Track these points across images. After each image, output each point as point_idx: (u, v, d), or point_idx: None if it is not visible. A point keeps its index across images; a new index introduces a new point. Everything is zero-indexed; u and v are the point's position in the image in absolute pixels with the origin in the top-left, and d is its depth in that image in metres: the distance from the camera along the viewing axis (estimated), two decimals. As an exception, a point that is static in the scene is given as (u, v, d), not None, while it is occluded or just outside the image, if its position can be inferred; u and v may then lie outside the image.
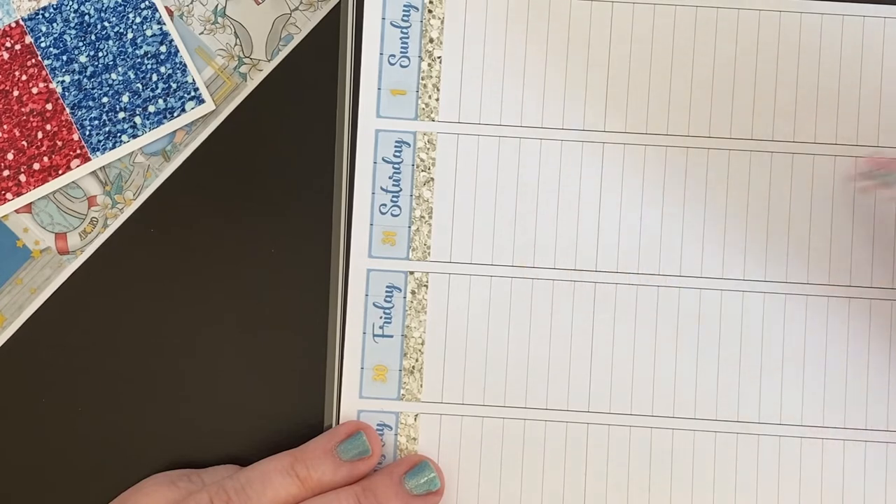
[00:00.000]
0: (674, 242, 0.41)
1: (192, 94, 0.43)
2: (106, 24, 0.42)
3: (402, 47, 0.41)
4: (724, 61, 0.41)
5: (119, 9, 0.42)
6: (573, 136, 0.41)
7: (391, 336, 0.41)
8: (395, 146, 0.41)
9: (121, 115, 0.42)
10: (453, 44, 0.41)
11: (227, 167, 0.42)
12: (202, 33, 0.43)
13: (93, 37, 0.42)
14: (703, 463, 0.40)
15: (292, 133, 0.42)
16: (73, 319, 0.42)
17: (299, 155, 0.42)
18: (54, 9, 0.42)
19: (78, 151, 0.42)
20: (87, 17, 0.42)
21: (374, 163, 0.41)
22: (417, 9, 0.41)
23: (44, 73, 0.42)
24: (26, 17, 0.42)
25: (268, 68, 0.43)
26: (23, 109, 0.42)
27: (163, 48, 0.43)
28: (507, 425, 0.40)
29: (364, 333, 0.41)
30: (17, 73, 0.42)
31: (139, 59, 0.42)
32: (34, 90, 0.42)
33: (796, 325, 0.40)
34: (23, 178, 0.42)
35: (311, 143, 0.42)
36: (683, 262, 0.41)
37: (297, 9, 0.43)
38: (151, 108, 0.42)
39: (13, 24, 0.42)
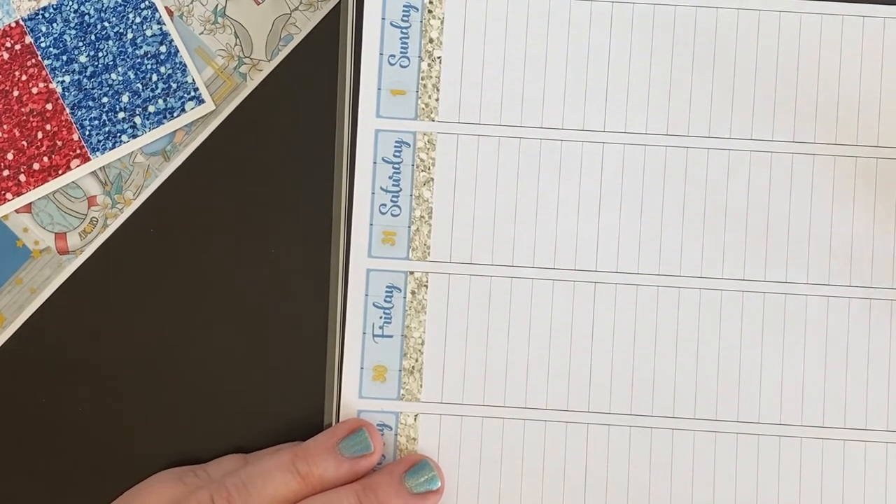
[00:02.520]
0: (673, 242, 0.41)
1: (192, 94, 0.43)
2: (106, 24, 0.42)
3: (401, 47, 0.41)
4: (723, 61, 0.41)
5: (119, 9, 0.42)
6: (573, 136, 0.41)
7: (391, 336, 0.41)
8: (395, 146, 0.41)
9: (121, 115, 0.42)
10: (453, 44, 0.41)
11: (227, 167, 0.42)
12: (202, 33, 0.43)
13: (93, 37, 0.42)
14: (702, 463, 0.40)
15: (292, 133, 0.42)
16: (73, 319, 0.42)
17: (299, 155, 0.42)
18: (54, 9, 0.42)
19: (78, 151, 0.42)
20: (87, 18, 0.42)
21: (374, 163, 0.41)
22: (417, 9, 0.41)
23: (44, 73, 0.42)
24: (26, 17, 0.42)
25: (268, 68, 0.43)
26: (23, 109, 0.42)
27: (163, 48, 0.43)
28: (506, 425, 0.40)
29: (364, 333, 0.41)
30: (17, 73, 0.42)
31: (139, 59, 0.42)
32: (34, 90, 0.42)
33: (796, 324, 0.40)
34: (23, 177, 0.42)
35: (311, 143, 0.42)
36: (683, 262, 0.41)
37: (297, 9, 0.43)
38: (151, 108, 0.42)
39: (13, 24, 0.42)
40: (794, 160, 0.41)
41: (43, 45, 0.42)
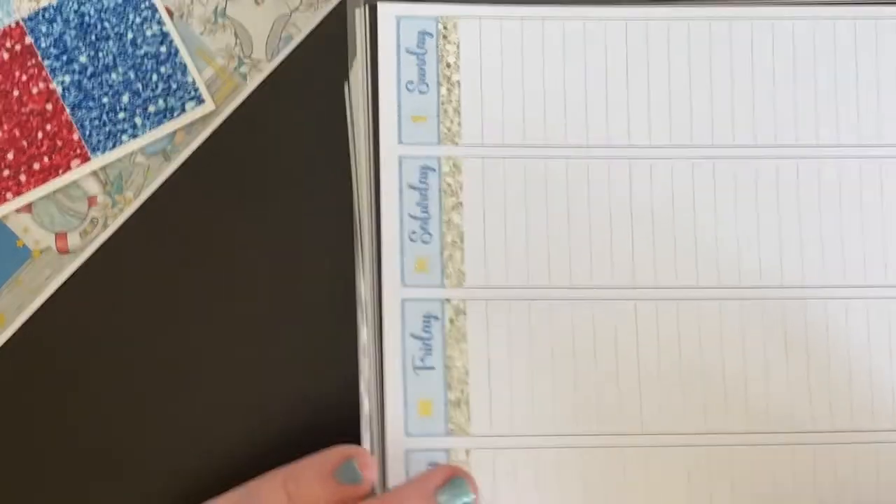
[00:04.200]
0: (708, 254, 0.40)
1: (193, 94, 0.43)
2: (106, 24, 0.43)
3: (419, 73, 0.40)
4: (741, 71, 0.40)
5: (119, 9, 0.43)
6: (598, 153, 0.40)
7: (432, 368, 0.39)
8: (420, 172, 0.40)
9: (121, 115, 0.42)
10: (471, 68, 0.40)
11: (227, 167, 0.42)
12: (202, 33, 0.43)
13: (93, 37, 0.42)
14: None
15: (292, 133, 0.42)
16: (73, 319, 0.42)
17: (300, 154, 0.42)
18: (54, 9, 0.42)
19: (78, 151, 0.42)
20: (87, 18, 0.42)
21: (400, 190, 0.40)
22: (432, 35, 0.40)
23: (44, 73, 0.42)
24: (26, 17, 0.42)
25: (268, 68, 0.43)
26: (23, 109, 0.42)
27: (163, 48, 0.43)
28: (562, 455, 0.39)
29: (404, 366, 0.39)
30: (17, 74, 0.42)
31: (139, 60, 0.43)
32: (34, 90, 0.42)
33: (799, 322, 0.40)
34: (23, 177, 0.42)
35: (312, 143, 0.42)
36: (721, 274, 0.40)
37: (297, 9, 0.43)
38: (151, 109, 0.42)
39: (13, 25, 0.42)
40: (798, 165, 0.40)
41: (43, 45, 0.42)
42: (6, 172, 0.42)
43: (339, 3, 0.43)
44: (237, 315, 0.42)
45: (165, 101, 0.42)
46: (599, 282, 0.40)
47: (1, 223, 0.42)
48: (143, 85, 0.43)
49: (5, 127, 0.42)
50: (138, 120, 0.42)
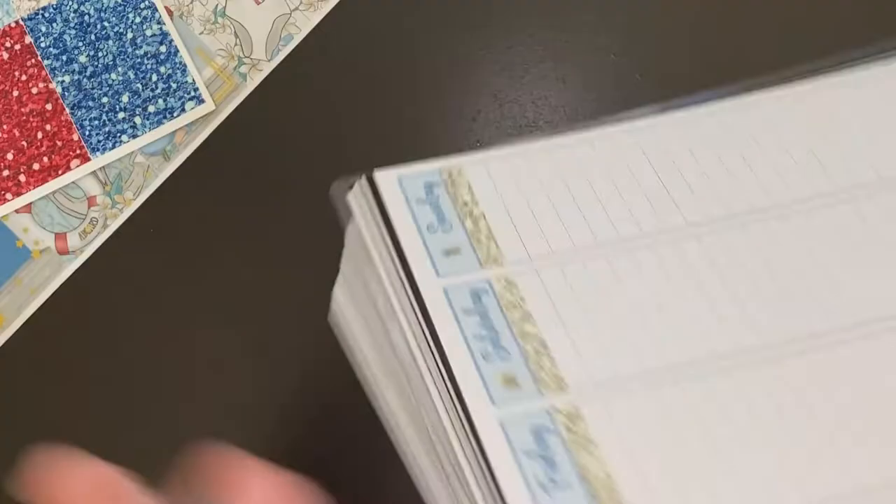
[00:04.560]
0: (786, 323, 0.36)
1: (192, 94, 0.43)
2: (106, 24, 0.42)
3: (437, 216, 0.37)
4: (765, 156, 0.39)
5: (119, 9, 0.42)
6: (663, 238, 0.37)
7: (568, 486, 0.33)
8: (473, 296, 0.36)
9: (120, 115, 0.42)
10: (490, 200, 0.37)
11: (227, 167, 0.42)
12: (202, 33, 0.43)
13: (92, 37, 0.42)
14: None
15: (292, 133, 0.42)
16: (73, 319, 0.42)
17: (300, 155, 0.42)
18: (54, 9, 0.42)
19: (78, 151, 0.42)
20: (86, 18, 0.42)
21: (456, 317, 0.35)
22: (439, 184, 0.38)
23: (43, 73, 0.42)
24: (26, 17, 0.42)
25: (268, 68, 0.43)
26: (23, 109, 0.42)
27: (163, 48, 0.43)
28: None
29: (530, 492, 0.33)
30: (16, 74, 0.42)
31: (139, 59, 0.42)
32: (34, 90, 0.42)
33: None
34: (23, 178, 0.42)
35: (312, 143, 0.42)
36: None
37: (297, 9, 0.43)
38: (151, 108, 0.42)
39: (13, 24, 0.42)
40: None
41: (43, 45, 0.42)
42: (6, 173, 0.42)
43: (339, 3, 0.43)
44: (236, 315, 0.42)
45: (165, 101, 0.42)
46: (718, 349, 0.35)
47: (1, 223, 0.42)
48: (142, 85, 0.42)
49: (5, 127, 0.42)
50: (138, 120, 0.42)
